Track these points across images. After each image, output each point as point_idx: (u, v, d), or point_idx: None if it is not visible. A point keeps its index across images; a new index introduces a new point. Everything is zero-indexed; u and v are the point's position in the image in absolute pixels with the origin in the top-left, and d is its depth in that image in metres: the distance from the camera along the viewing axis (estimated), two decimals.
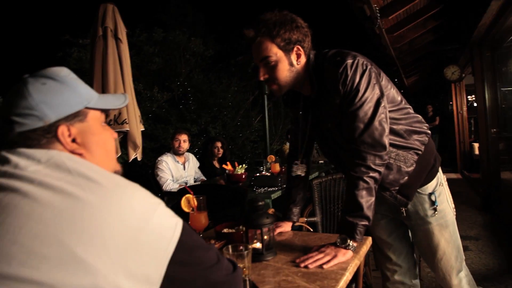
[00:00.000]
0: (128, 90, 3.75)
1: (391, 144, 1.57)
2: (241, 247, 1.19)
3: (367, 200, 1.43)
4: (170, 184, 4.13)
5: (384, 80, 1.57)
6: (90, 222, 0.68)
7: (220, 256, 0.87)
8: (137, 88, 5.96)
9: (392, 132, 1.59)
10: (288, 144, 4.35)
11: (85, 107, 0.88)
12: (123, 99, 1.02)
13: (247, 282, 1.16)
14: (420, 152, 1.65)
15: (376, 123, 1.45)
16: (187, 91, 6.92)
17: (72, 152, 0.84)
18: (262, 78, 1.53)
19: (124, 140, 3.76)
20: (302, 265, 1.31)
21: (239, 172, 3.62)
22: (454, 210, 1.80)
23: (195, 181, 4.51)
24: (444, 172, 1.80)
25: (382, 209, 1.79)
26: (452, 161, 9.17)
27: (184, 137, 4.38)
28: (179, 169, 4.37)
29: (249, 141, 7.33)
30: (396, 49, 5.68)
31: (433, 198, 1.68)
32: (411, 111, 1.68)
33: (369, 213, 1.43)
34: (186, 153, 4.54)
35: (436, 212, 1.69)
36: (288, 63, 1.51)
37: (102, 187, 0.74)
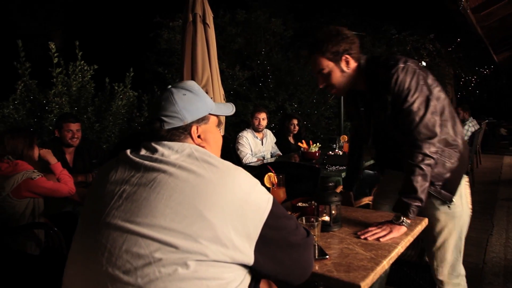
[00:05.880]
0: (214, 71, 4.13)
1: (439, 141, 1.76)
2: (312, 219, 1.50)
3: (421, 185, 1.65)
4: (249, 158, 4.51)
5: (431, 80, 1.76)
6: (212, 193, 1.01)
7: (298, 224, 1.18)
8: (220, 67, 6.29)
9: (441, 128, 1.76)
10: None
11: (209, 113, 1.25)
12: (231, 108, 1.42)
13: (316, 247, 1.46)
14: (461, 150, 1.83)
15: (428, 115, 1.68)
16: (266, 70, 7.18)
17: (199, 144, 1.20)
18: (321, 86, 1.83)
19: None
20: (362, 237, 1.58)
21: (313, 150, 3.89)
22: (470, 210, 1.97)
23: (271, 156, 4.83)
24: None
25: None
26: None
27: (263, 116, 4.70)
28: (257, 144, 4.73)
29: (324, 117, 7.47)
30: (484, 27, 5.40)
31: None
32: (452, 108, 1.86)
33: (422, 196, 1.66)
34: (264, 130, 4.85)
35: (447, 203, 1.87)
36: (340, 71, 1.78)
37: (219, 169, 1.07)
